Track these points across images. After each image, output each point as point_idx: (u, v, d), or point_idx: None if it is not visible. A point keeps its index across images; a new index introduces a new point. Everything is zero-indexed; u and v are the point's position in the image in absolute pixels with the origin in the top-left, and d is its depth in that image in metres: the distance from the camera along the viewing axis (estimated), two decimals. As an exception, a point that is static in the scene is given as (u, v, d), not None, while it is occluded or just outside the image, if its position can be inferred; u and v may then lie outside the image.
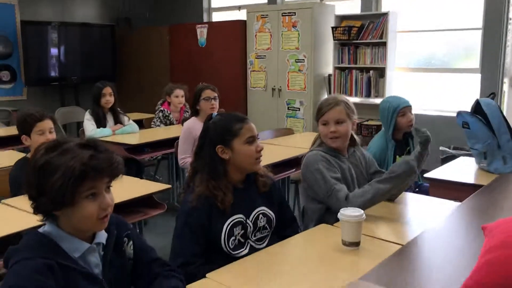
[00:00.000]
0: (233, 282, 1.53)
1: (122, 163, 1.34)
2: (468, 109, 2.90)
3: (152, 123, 4.92)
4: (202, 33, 6.87)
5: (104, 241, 1.38)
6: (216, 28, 6.81)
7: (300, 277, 1.57)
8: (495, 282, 1.16)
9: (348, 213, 1.73)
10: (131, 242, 1.46)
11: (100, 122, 4.33)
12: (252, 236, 1.92)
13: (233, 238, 1.84)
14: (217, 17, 7.79)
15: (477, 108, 2.84)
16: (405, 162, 2.02)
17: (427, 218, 2.17)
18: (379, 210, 2.15)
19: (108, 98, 4.34)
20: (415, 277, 1.43)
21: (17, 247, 1.27)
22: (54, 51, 7.17)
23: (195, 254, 1.77)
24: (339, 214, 1.75)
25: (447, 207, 2.21)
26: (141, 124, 5.10)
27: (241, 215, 1.87)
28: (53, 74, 7.21)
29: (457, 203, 2.16)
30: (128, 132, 4.38)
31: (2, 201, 2.34)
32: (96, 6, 7.94)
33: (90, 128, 4.25)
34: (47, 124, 2.61)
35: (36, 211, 1.30)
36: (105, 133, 4.21)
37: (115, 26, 7.89)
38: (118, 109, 4.52)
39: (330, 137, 2.18)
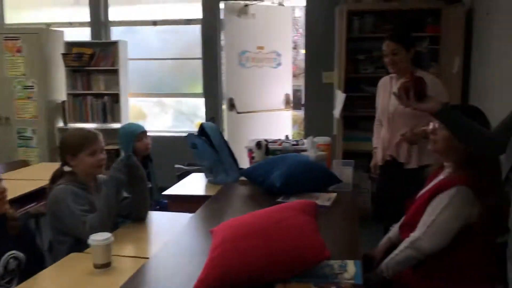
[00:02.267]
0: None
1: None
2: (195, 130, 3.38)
3: None
4: None
5: None
6: None
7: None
8: (218, 272, 1.51)
9: (97, 237, 1.88)
10: None
11: None
12: (1, 280, 1.88)
13: None
14: None
15: (202, 130, 3.33)
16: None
17: (168, 231, 2.46)
18: (125, 230, 2.36)
19: None
20: (160, 282, 1.68)
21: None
22: None
23: None
24: (89, 240, 1.88)
25: (184, 219, 2.55)
26: None
27: None
28: None
29: (192, 214, 2.51)
30: None
31: None
32: None
33: None
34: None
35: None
36: None
37: None
38: None
39: (99, 166, 2.38)
